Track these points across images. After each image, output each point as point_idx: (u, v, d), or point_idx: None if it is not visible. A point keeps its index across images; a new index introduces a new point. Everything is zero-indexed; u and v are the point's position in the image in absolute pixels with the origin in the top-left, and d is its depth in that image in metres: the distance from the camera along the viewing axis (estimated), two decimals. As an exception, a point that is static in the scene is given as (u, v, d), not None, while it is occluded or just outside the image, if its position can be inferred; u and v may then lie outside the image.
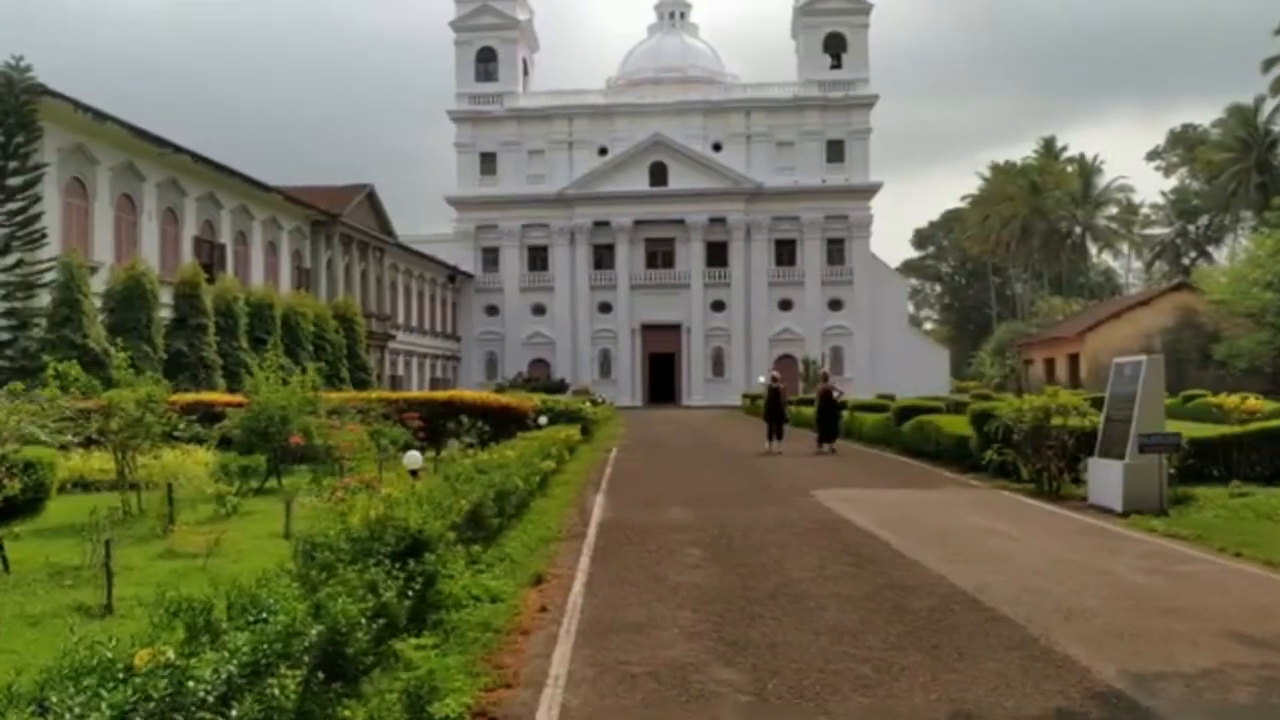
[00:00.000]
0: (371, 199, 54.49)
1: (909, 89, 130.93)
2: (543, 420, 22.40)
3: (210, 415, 17.76)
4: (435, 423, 22.23)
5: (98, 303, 30.25)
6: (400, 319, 61.77)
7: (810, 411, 33.95)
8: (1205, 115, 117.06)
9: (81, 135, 31.89)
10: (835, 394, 24.74)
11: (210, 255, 39.98)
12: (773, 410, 24.16)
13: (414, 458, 10.37)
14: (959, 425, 18.00)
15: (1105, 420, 13.32)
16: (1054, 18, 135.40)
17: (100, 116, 31.55)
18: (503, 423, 22.24)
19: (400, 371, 61.25)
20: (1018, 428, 14.20)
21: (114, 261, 32.88)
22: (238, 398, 18.20)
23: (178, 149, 36.01)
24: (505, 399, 22.43)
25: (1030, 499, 13.90)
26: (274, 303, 38.72)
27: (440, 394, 22.76)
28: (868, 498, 14.05)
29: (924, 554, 9.34)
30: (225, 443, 16.64)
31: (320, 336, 42.53)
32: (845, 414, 26.66)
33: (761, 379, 59.41)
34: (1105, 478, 12.80)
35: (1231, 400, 22.59)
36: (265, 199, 44.17)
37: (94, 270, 31.97)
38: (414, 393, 24.75)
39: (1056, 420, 13.73)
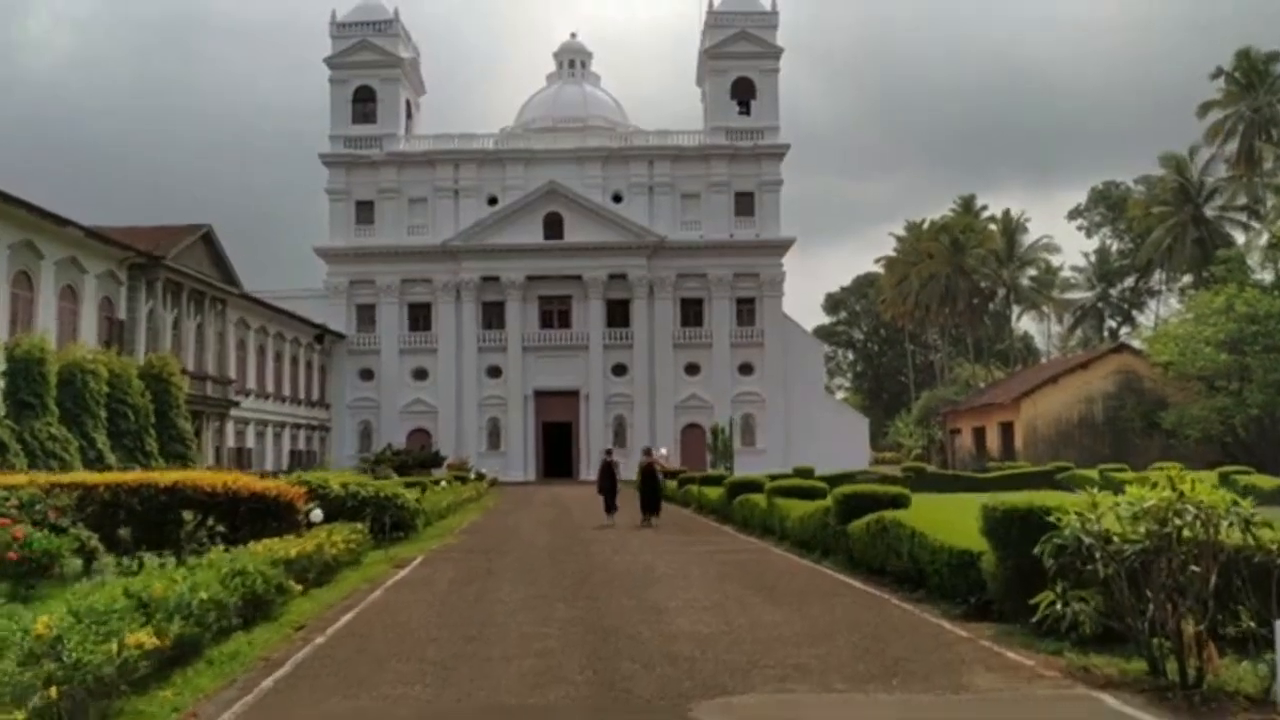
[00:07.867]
0: (209, 241, 46.49)
1: (809, 166, 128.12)
2: (316, 515, 14.97)
3: None
4: (153, 519, 14.83)
5: None
6: (251, 383, 53.45)
7: (715, 492, 27.58)
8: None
9: None
10: (658, 469, 25.88)
11: (-25, 299, 31.92)
12: (606, 484, 25.21)
13: None
14: (954, 534, 10.37)
15: (1312, 543, 6.48)
16: (946, 100, 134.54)
17: None
18: (260, 518, 14.91)
19: (250, 444, 52.78)
20: (1105, 551, 7.30)
21: None
22: None
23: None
24: (261, 484, 14.99)
25: (1150, 714, 6.57)
26: (46, 357, 30.60)
27: (162, 476, 15.27)
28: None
29: None
30: None
31: (120, 401, 34.41)
32: (762, 502, 20.24)
33: (663, 450, 52.57)
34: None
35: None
36: (61, 234, 36.08)
37: None
38: (116, 475, 17.11)
39: (1188, 534, 6.89)
